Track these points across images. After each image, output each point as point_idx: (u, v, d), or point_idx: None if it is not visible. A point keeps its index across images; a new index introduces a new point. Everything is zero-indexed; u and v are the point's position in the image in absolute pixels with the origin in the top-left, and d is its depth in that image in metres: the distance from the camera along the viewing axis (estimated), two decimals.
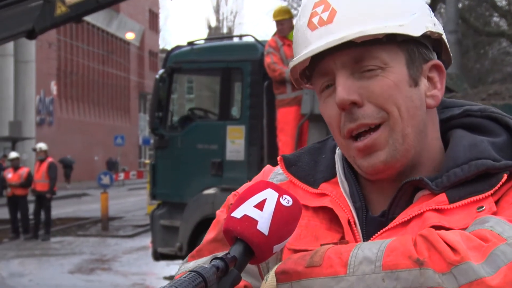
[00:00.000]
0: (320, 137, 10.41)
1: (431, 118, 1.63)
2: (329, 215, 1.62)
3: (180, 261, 11.79)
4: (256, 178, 1.77)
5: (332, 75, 1.58)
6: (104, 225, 21.70)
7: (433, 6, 23.26)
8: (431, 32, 1.60)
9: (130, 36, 60.99)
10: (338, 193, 1.64)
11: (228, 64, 11.68)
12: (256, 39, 11.96)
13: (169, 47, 63.16)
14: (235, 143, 11.35)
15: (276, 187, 1.46)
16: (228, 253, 1.41)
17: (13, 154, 20.93)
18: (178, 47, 12.54)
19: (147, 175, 13.20)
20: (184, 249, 11.19)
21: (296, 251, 1.57)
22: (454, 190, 1.54)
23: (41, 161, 19.94)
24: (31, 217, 20.44)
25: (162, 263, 13.74)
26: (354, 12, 1.55)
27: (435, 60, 1.63)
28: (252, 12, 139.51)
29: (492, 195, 1.52)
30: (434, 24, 1.61)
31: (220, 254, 1.41)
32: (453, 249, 1.37)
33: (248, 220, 1.42)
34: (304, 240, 1.60)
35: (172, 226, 11.56)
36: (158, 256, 11.92)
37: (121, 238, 20.10)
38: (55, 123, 51.14)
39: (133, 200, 34.18)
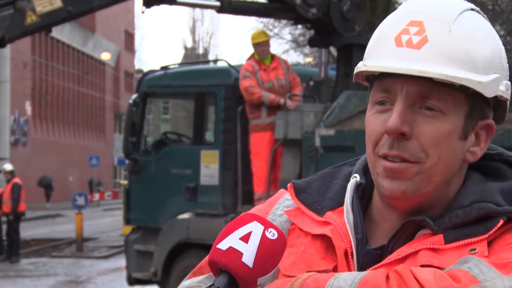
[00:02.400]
0: (294, 161, 10.55)
1: (462, 171, 1.64)
2: (326, 244, 1.63)
3: (154, 287, 11.84)
4: (268, 201, 1.80)
5: (393, 96, 1.58)
6: (79, 246, 21.62)
7: None
8: (501, 96, 1.61)
9: (105, 56, 60.85)
10: (341, 223, 1.64)
11: (201, 88, 11.75)
12: (229, 64, 12.05)
13: (145, 68, 62.84)
14: (209, 167, 11.40)
15: (261, 220, 1.48)
16: (213, 284, 1.43)
17: None
18: (151, 71, 12.60)
19: (122, 196, 13.19)
20: (159, 274, 11.19)
21: (290, 277, 1.57)
22: (452, 232, 1.56)
23: (8, 182, 19.93)
24: (4, 238, 20.34)
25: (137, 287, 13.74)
26: (444, 50, 1.55)
27: (490, 120, 1.64)
28: (228, 34, 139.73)
29: (487, 239, 1.54)
30: (508, 89, 1.62)
31: (204, 285, 1.46)
32: (422, 287, 1.40)
33: (233, 252, 1.44)
34: (297, 267, 1.62)
35: (146, 251, 11.55)
36: (133, 281, 11.90)
37: (96, 259, 20.04)
38: (30, 143, 50.85)
39: (108, 221, 34.04)
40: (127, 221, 12.34)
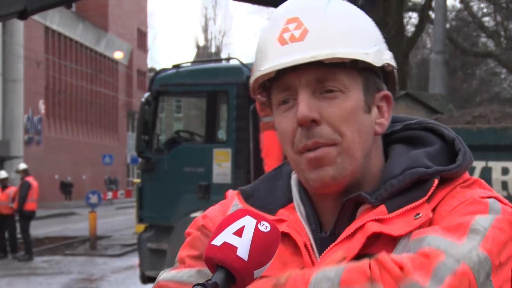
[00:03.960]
0: None
1: (376, 143, 1.73)
2: (291, 240, 1.69)
3: None
4: (221, 203, 1.85)
5: (294, 90, 1.65)
6: (92, 244, 21.67)
7: (421, 26, 23.41)
8: (388, 64, 1.71)
9: (118, 55, 61.00)
10: (295, 218, 1.71)
11: (213, 87, 11.76)
12: (241, 62, 12.06)
13: (157, 66, 63.12)
14: (222, 166, 11.41)
15: (254, 214, 1.51)
16: (210, 279, 1.45)
17: (2, 174, 20.90)
18: (163, 69, 12.61)
19: (135, 194, 13.23)
20: None
21: (268, 277, 1.60)
22: (392, 201, 1.64)
23: (21, 180, 20.08)
24: (19, 236, 20.44)
25: (150, 285, 13.78)
26: (325, 34, 1.64)
27: (386, 91, 1.73)
28: (241, 32, 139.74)
29: (427, 201, 1.63)
30: (391, 57, 1.72)
31: (202, 281, 1.46)
32: (400, 267, 1.46)
33: (228, 247, 1.46)
34: (273, 266, 1.62)
35: (159, 249, 11.57)
36: (146, 279, 11.94)
37: (109, 257, 20.07)
38: (43, 142, 51.06)
39: (121, 219, 34.12)
40: (140, 219, 12.37)
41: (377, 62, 1.67)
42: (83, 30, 58.53)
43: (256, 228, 1.48)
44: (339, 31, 1.65)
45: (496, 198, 1.64)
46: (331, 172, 1.64)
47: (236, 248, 1.46)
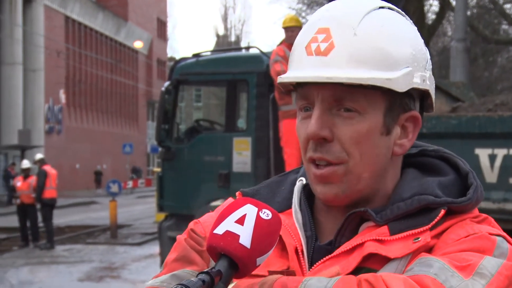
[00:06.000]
0: None
1: (394, 163, 1.70)
2: (281, 243, 1.67)
3: None
4: (218, 209, 1.82)
5: (312, 101, 1.64)
6: (113, 233, 21.76)
7: (442, 14, 23.29)
8: (417, 88, 1.66)
9: (138, 44, 61.10)
10: (290, 223, 1.71)
11: (233, 76, 11.76)
12: (261, 51, 12.04)
13: (177, 56, 63.25)
14: (242, 154, 11.42)
15: (255, 202, 1.51)
16: (214, 267, 1.46)
17: (25, 164, 21.00)
18: (183, 59, 12.62)
19: (156, 183, 13.27)
20: None
21: (252, 276, 1.60)
22: (396, 223, 1.63)
23: (38, 169, 20.20)
24: (40, 225, 20.56)
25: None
26: (350, 53, 1.59)
27: (414, 112, 1.69)
28: (260, 21, 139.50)
29: (430, 229, 1.61)
30: (424, 80, 1.67)
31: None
32: None
33: (230, 235, 1.46)
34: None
35: None
36: None
37: (130, 246, 20.16)
38: (64, 131, 51.27)
39: (142, 208, 34.24)
40: (161, 208, 12.41)
41: (401, 88, 1.62)
42: (103, 20, 58.65)
43: (258, 216, 1.49)
44: (366, 51, 1.60)
45: (504, 237, 1.63)
46: (336, 190, 1.65)
47: (238, 236, 1.47)
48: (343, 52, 1.60)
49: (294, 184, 1.79)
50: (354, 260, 1.59)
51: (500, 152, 7.73)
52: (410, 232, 1.61)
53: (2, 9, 41.71)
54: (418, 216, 1.63)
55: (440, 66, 32.54)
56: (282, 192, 1.79)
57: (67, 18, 52.14)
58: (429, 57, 1.72)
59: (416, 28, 1.73)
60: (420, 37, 1.72)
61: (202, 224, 1.81)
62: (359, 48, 1.60)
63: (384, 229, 1.62)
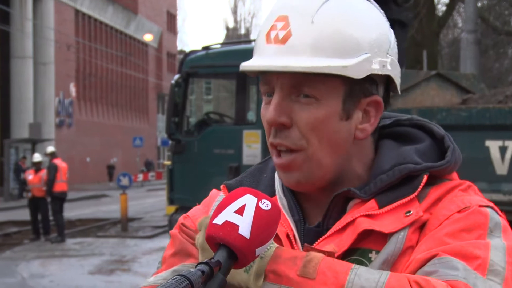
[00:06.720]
0: None
1: (359, 146, 1.70)
2: None
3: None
4: (204, 202, 1.86)
5: (273, 87, 1.65)
6: (124, 226, 21.79)
7: (452, 5, 23.22)
8: (376, 74, 1.65)
9: (148, 37, 61.14)
10: None
11: None
12: None
13: (187, 49, 63.31)
14: (252, 147, 11.43)
15: (254, 193, 1.51)
16: (213, 258, 1.45)
17: (36, 157, 21.02)
18: (193, 52, 12.62)
19: (166, 176, 13.27)
20: None
21: None
22: (382, 196, 1.64)
23: (49, 163, 20.26)
24: (51, 218, 20.61)
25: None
26: (307, 41, 1.60)
27: (376, 97, 1.68)
28: None
29: (420, 200, 1.62)
30: (384, 65, 1.66)
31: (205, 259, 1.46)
32: None
33: (230, 226, 1.46)
34: None
35: None
36: None
37: (141, 239, 20.19)
38: (74, 124, 51.38)
39: (152, 201, 34.30)
40: (171, 201, 12.42)
41: (358, 75, 1.61)
42: (113, 13, 58.69)
43: (257, 206, 1.49)
44: (322, 38, 1.60)
45: (492, 207, 1.64)
46: (297, 177, 1.65)
47: (238, 226, 1.46)
48: (299, 40, 1.60)
49: (274, 170, 1.78)
50: (348, 237, 1.60)
51: (511, 144, 7.71)
52: (398, 202, 1.62)
53: (12, 3, 41.77)
54: (402, 186, 1.64)
55: (450, 57, 32.46)
56: (265, 180, 1.80)
57: (77, 11, 52.20)
58: (393, 40, 1.71)
59: (380, 12, 1.71)
60: (385, 21, 1.71)
61: (191, 218, 1.82)
62: (315, 36, 1.60)
63: (372, 203, 1.63)
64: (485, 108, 8.19)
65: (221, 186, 1.83)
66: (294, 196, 1.74)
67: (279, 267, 1.53)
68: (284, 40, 1.61)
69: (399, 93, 1.75)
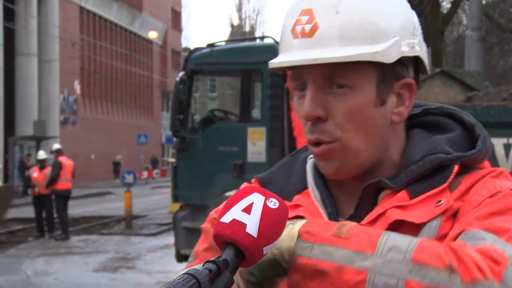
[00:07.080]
0: None
1: (396, 131, 1.72)
2: None
3: None
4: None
5: (305, 81, 1.66)
6: (128, 223, 21.81)
7: (456, 3, 23.18)
8: (407, 56, 1.67)
9: (153, 35, 61.16)
10: (310, 203, 1.72)
11: (248, 66, 11.75)
12: (276, 41, 12.01)
13: (191, 46, 63.39)
14: (256, 145, 11.43)
15: (262, 191, 1.51)
16: (220, 256, 1.45)
17: (41, 155, 21.03)
18: (198, 49, 12.62)
19: (170, 173, 13.29)
20: None
21: None
22: (413, 186, 1.64)
23: (54, 160, 20.25)
24: (55, 216, 20.62)
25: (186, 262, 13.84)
26: (334, 32, 1.61)
27: (408, 79, 1.69)
28: (275, 11, 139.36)
29: (451, 189, 1.62)
30: (413, 47, 1.68)
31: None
32: (479, 267, 1.45)
33: (237, 224, 1.45)
34: None
35: (194, 228, 11.58)
36: (181, 258, 12.00)
37: (145, 237, 20.21)
38: (79, 122, 51.41)
39: (157, 199, 34.31)
40: (175, 198, 12.43)
41: (390, 59, 1.63)
42: (118, 10, 58.71)
43: (265, 205, 1.48)
44: (350, 27, 1.62)
45: None
46: (336, 165, 1.67)
47: (245, 225, 1.45)
48: (327, 31, 1.62)
49: (305, 162, 1.80)
50: (379, 228, 1.59)
51: None
52: (430, 193, 1.62)
53: (17, 1, 41.81)
54: (433, 176, 1.65)
55: (455, 55, 32.42)
56: (296, 173, 1.80)
57: (81, 8, 52.23)
58: (416, 22, 1.72)
59: None
60: (406, 3, 1.72)
61: None
62: (343, 25, 1.61)
63: (403, 194, 1.64)
64: (489, 105, 8.17)
65: (253, 180, 1.84)
66: (327, 188, 1.74)
67: (313, 228, 1.55)
68: (311, 33, 1.63)
69: (428, 72, 1.76)
